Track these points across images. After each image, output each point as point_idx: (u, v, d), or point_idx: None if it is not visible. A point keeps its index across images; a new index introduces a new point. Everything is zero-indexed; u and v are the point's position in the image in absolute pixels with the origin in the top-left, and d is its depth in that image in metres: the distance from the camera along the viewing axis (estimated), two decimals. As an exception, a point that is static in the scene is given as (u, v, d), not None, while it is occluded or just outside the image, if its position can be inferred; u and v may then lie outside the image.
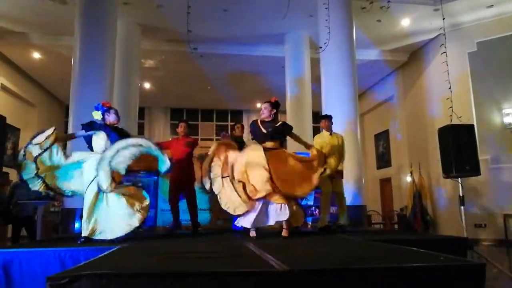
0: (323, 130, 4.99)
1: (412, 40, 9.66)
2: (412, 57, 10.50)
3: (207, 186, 4.06)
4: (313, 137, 5.29)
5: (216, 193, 4.02)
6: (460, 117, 6.27)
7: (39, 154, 3.65)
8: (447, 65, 6.37)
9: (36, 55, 9.85)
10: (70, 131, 6.11)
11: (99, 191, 3.64)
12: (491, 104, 8.55)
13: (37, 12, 7.96)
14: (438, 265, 2.02)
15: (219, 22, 8.52)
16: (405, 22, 8.68)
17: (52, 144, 3.71)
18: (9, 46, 9.36)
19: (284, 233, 3.86)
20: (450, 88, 6.21)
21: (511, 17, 8.23)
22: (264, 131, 4.02)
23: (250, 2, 7.79)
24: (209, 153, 4.12)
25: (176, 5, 5.91)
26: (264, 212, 3.83)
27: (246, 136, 5.55)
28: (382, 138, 12.51)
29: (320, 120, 5.09)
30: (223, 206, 4.00)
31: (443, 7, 7.30)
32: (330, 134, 4.92)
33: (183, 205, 4.98)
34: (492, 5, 7.99)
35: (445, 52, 6.46)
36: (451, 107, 6.01)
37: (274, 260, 2.15)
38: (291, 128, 4.25)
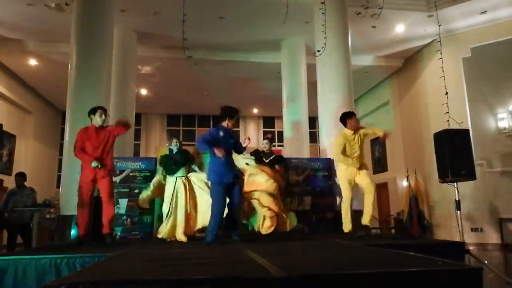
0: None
1: (407, 46, 9.75)
2: (407, 63, 10.59)
3: None
4: (313, 142, 5.25)
5: None
6: (462, 122, 6.30)
7: None
8: (443, 71, 6.41)
9: (33, 61, 9.83)
10: (66, 137, 6.08)
11: None
12: (485, 109, 8.62)
13: (33, 19, 7.96)
14: (435, 269, 2.02)
15: (215, 29, 8.55)
16: (400, 28, 8.77)
17: None
18: (5, 53, 9.34)
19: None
20: (446, 93, 6.23)
21: (504, 23, 8.35)
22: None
23: (246, 10, 7.83)
24: None
25: (172, 12, 5.93)
26: None
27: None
28: (378, 143, 12.54)
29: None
30: None
31: (437, 13, 7.38)
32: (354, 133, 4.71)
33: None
34: (485, 11, 8.09)
35: (441, 58, 6.49)
36: (448, 112, 6.04)
37: (271, 266, 2.14)
38: None
